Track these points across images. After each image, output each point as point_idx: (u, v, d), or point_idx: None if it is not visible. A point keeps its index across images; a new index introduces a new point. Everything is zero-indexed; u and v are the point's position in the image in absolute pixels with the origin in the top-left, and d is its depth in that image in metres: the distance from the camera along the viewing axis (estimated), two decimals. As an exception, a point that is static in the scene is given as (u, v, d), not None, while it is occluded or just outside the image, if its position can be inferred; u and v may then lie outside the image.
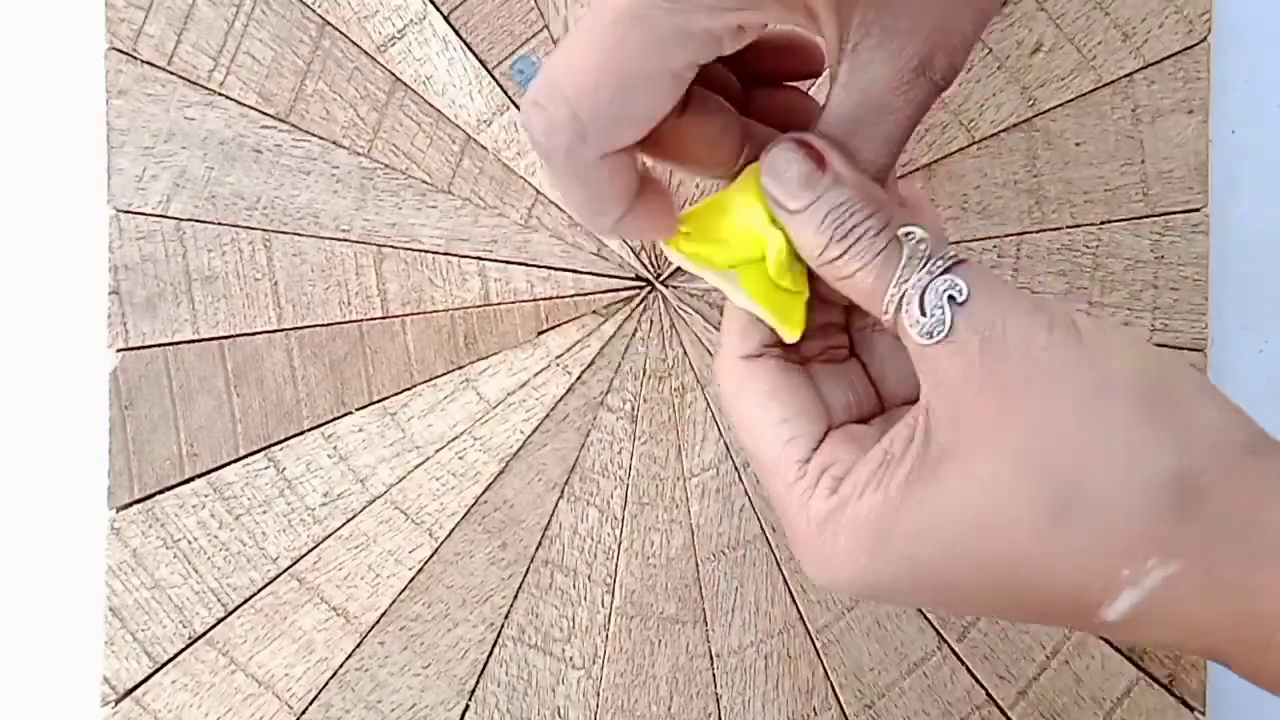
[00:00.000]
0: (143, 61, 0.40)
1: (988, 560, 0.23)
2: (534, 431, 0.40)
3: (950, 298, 0.23)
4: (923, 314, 0.23)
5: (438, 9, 0.40)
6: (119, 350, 0.40)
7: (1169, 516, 0.21)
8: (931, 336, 0.23)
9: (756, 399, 0.27)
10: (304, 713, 0.39)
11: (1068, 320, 0.23)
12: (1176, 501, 0.21)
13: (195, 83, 0.40)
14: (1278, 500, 0.21)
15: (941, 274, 0.23)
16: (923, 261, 0.24)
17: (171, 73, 0.40)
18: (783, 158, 0.26)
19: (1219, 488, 0.21)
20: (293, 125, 0.40)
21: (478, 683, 0.40)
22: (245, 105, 0.40)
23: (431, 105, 0.40)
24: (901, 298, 0.24)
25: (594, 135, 0.25)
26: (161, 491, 0.39)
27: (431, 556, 0.40)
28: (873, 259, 0.24)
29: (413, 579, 0.40)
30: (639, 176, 0.27)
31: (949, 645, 0.39)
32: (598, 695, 0.40)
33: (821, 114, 0.26)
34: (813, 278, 0.27)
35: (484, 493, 0.40)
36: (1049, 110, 0.40)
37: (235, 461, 0.40)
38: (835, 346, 0.29)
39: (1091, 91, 0.40)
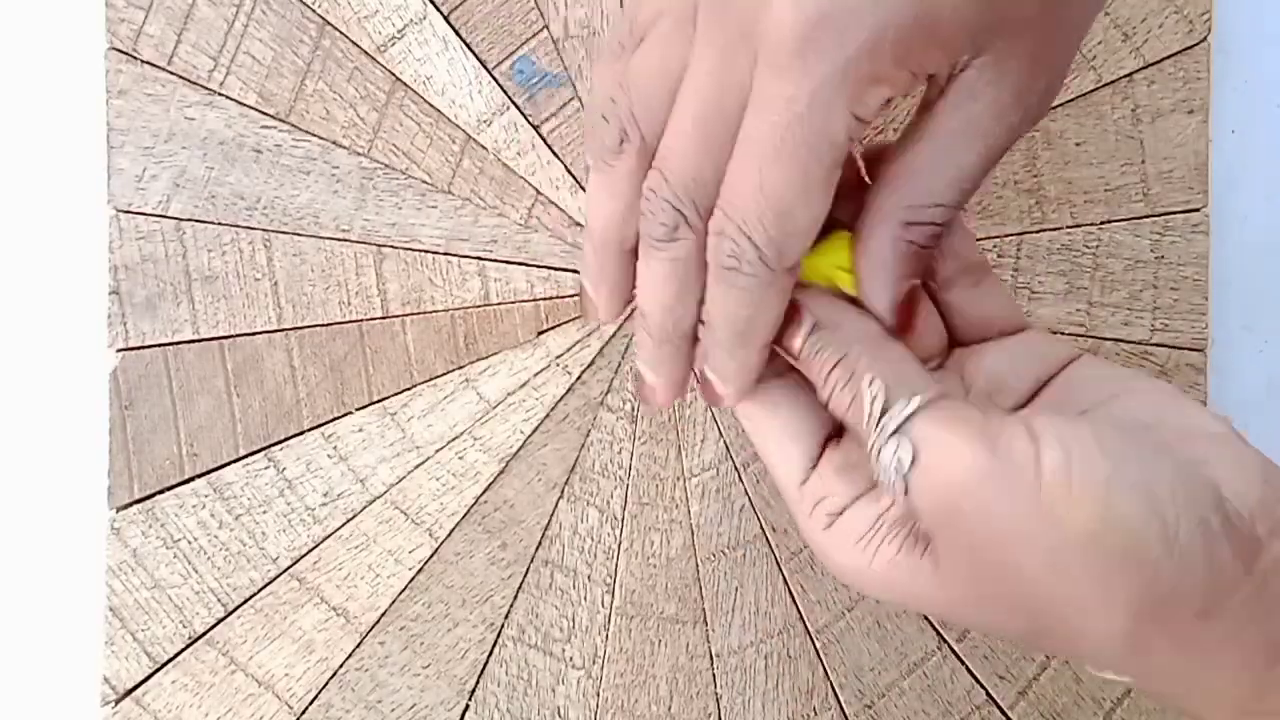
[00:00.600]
0: (143, 61, 0.40)
1: (977, 625, 0.27)
2: (534, 431, 0.40)
3: (899, 461, 0.24)
4: (883, 471, 0.24)
5: (438, 9, 0.40)
6: (119, 350, 0.40)
7: (1129, 662, 0.23)
8: (895, 492, 0.24)
9: (757, 418, 0.29)
10: (304, 713, 0.39)
11: (1027, 461, 0.23)
12: (1131, 649, 0.23)
13: (195, 83, 0.40)
14: (1217, 663, 0.23)
15: (891, 435, 0.24)
16: (877, 421, 0.24)
17: (171, 73, 0.40)
18: None
19: (1169, 651, 0.23)
20: (293, 125, 0.40)
21: (478, 683, 0.40)
22: (245, 105, 0.40)
23: (431, 105, 0.40)
24: (870, 449, 0.25)
25: (792, 244, 0.25)
26: (161, 491, 0.39)
27: (431, 556, 0.40)
28: (848, 405, 0.25)
29: (413, 579, 0.40)
30: None
31: (949, 645, 0.39)
32: (598, 695, 0.40)
33: (918, 133, 0.26)
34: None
35: (484, 493, 0.40)
36: (1049, 110, 0.40)
37: (235, 461, 0.40)
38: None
39: (1091, 91, 0.40)
